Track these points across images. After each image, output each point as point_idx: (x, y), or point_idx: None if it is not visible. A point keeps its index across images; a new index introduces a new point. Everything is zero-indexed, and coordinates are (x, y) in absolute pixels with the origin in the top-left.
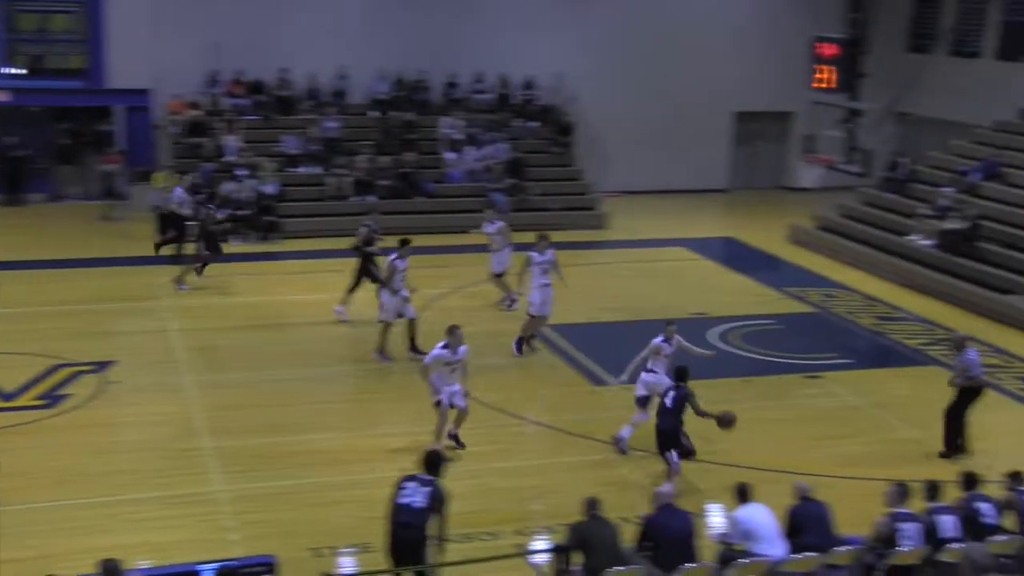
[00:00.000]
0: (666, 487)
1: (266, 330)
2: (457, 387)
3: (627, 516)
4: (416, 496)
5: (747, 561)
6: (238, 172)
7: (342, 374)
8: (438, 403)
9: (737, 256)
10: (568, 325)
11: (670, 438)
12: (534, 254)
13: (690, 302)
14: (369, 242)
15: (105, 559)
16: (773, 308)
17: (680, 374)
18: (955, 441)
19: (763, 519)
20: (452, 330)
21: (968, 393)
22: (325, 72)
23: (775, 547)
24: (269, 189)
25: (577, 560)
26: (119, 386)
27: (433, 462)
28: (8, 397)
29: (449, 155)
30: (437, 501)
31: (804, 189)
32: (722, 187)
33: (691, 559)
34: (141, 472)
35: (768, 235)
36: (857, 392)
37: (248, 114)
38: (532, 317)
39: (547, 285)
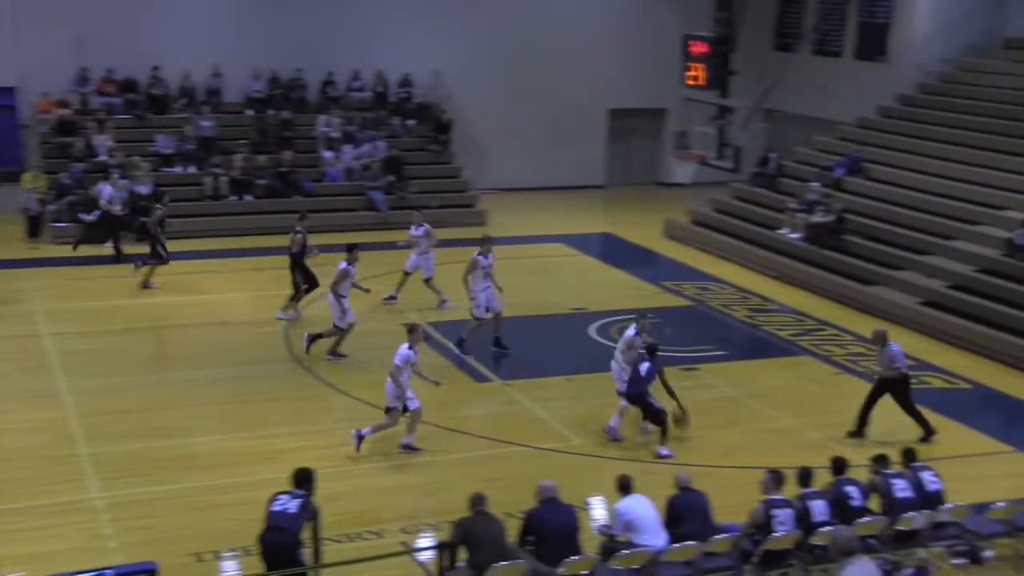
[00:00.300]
0: (549, 482)
1: (145, 333)
2: (409, 391)
3: (511, 512)
4: (289, 505)
5: (628, 552)
6: (111, 172)
7: (224, 377)
8: (390, 409)
9: (614, 251)
10: (449, 322)
11: (633, 402)
12: (479, 258)
13: (569, 298)
14: (302, 251)
15: None
16: (650, 302)
17: (652, 350)
18: (926, 423)
19: (644, 510)
20: (413, 329)
21: (901, 383)
22: (199, 70)
23: (656, 537)
24: (143, 189)
25: (462, 556)
26: None
27: (303, 479)
28: None
29: (327, 154)
30: (308, 511)
31: (678, 185)
32: (599, 183)
33: (574, 552)
34: (13, 481)
35: (644, 230)
36: (733, 383)
37: (119, 113)
38: (485, 319)
39: (487, 288)
